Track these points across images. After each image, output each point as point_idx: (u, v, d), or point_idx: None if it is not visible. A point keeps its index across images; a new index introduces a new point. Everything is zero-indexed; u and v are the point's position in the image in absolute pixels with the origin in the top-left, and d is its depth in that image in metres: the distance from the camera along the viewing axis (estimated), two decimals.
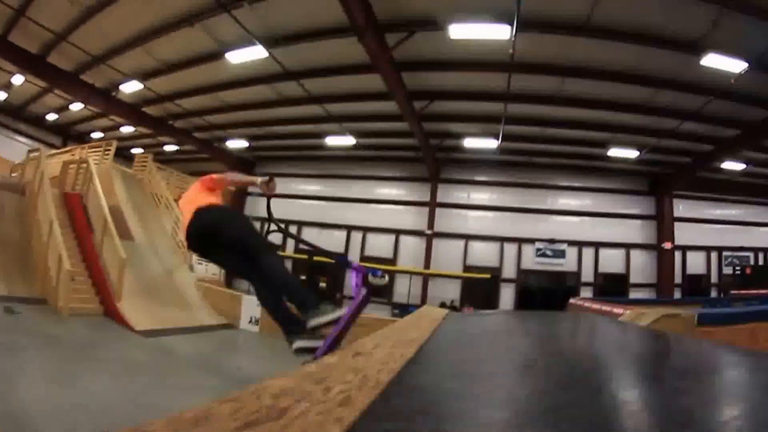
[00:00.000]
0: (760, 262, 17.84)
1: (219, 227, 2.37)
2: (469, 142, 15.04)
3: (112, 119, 16.81)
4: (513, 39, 8.65)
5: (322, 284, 17.14)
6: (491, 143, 14.79)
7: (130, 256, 10.45)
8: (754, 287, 12.63)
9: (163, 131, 16.41)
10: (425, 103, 12.42)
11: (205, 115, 15.49)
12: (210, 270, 16.43)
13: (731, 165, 15.47)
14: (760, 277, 13.89)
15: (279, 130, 16.42)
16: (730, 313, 2.93)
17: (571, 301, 10.58)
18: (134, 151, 20.33)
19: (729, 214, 18.09)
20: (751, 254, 17.79)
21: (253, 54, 10.25)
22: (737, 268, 16.74)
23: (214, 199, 2.63)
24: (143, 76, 12.65)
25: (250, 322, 11.77)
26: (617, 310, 5.25)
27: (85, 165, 12.10)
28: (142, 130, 17.46)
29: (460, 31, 8.82)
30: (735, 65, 9.23)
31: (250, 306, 11.69)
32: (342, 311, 2.01)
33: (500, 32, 8.64)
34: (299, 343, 2.08)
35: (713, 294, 17.15)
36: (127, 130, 18.04)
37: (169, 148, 19.77)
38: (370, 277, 1.73)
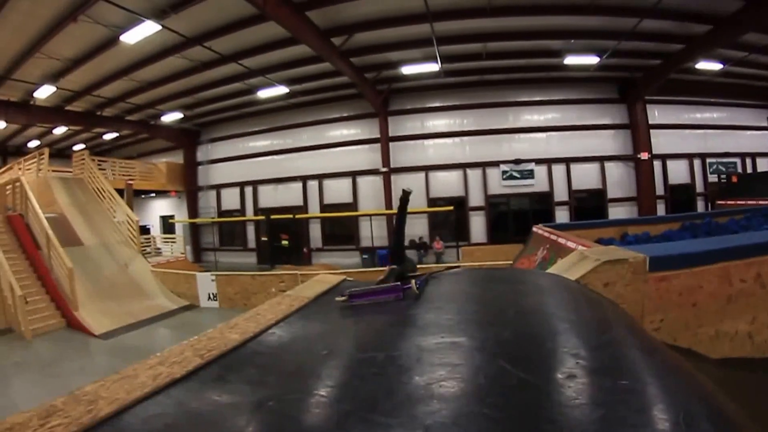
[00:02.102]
0: (748, 168, 20.01)
1: None
2: (408, 69, 17.41)
3: (42, 125, 20.77)
4: None
5: (285, 242, 21.33)
6: (432, 67, 17.14)
7: (82, 262, 13.96)
8: (742, 197, 14.23)
9: (95, 123, 20.32)
10: (344, 38, 14.54)
11: (129, 98, 18.84)
12: (176, 249, 20.87)
13: (707, 65, 17.08)
14: (747, 186, 15.53)
15: (209, 94, 19.58)
16: (691, 254, 2.72)
17: (534, 229, 11.42)
18: (76, 147, 24.46)
19: (710, 118, 20.34)
20: (737, 160, 20.13)
21: (147, 29, 12.59)
22: (723, 176, 18.78)
23: None
24: (53, 78, 15.91)
25: (209, 299, 14.88)
26: (571, 243, 5.49)
27: (18, 184, 15.24)
28: (75, 128, 21.50)
29: None
30: None
31: (206, 283, 15.00)
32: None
33: None
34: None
35: (700, 205, 19.62)
36: (60, 130, 22.12)
37: (109, 136, 23.84)
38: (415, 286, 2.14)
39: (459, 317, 1.65)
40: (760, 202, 11.46)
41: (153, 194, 26.04)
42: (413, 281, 2.01)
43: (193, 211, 24.47)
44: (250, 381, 1.25)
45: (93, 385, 1.14)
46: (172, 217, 25.55)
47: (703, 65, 17.20)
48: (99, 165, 19.58)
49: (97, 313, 12.59)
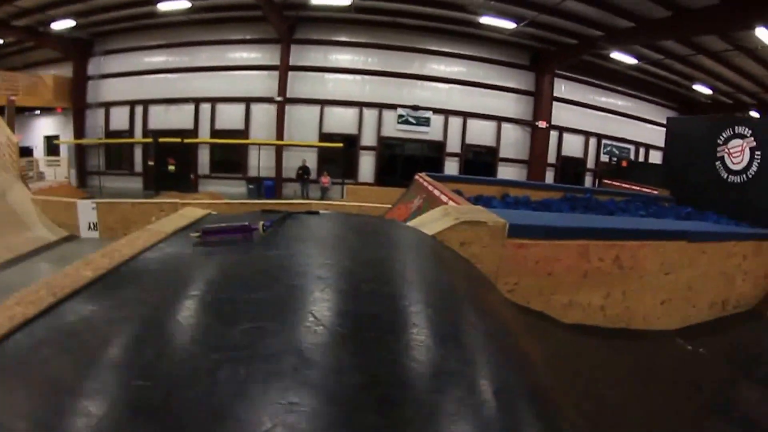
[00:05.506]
0: (640, 157, 21.61)
1: None
2: (318, 0, 16.95)
3: None
4: None
5: (171, 167, 20.51)
6: (343, 0, 16.74)
7: None
8: (628, 181, 14.50)
9: None
10: None
11: (15, 0, 16.92)
12: (60, 173, 19.78)
13: (622, 57, 18.04)
14: (635, 172, 15.81)
15: (105, 1, 18.00)
16: (552, 227, 2.84)
17: (416, 177, 12.87)
18: None
19: (614, 104, 21.71)
20: (632, 147, 21.82)
21: None
22: (614, 159, 20.43)
23: None
24: None
25: (90, 228, 13.74)
26: (443, 197, 5.24)
27: None
28: None
29: None
30: None
31: (87, 211, 13.54)
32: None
33: None
34: None
35: (587, 180, 20.95)
36: None
37: None
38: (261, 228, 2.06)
39: (315, 262, 1.71)
40: (644, 189, 12.19)
41: (38, 111, 23.66)
42: (261, 223, 1.99)
43: (79, 131, 22.48)
44: (108, 319, 1.26)
45: None
46: (57, 137, 23.52)
47: (617, 56, 18.12)
48: None
49: None
